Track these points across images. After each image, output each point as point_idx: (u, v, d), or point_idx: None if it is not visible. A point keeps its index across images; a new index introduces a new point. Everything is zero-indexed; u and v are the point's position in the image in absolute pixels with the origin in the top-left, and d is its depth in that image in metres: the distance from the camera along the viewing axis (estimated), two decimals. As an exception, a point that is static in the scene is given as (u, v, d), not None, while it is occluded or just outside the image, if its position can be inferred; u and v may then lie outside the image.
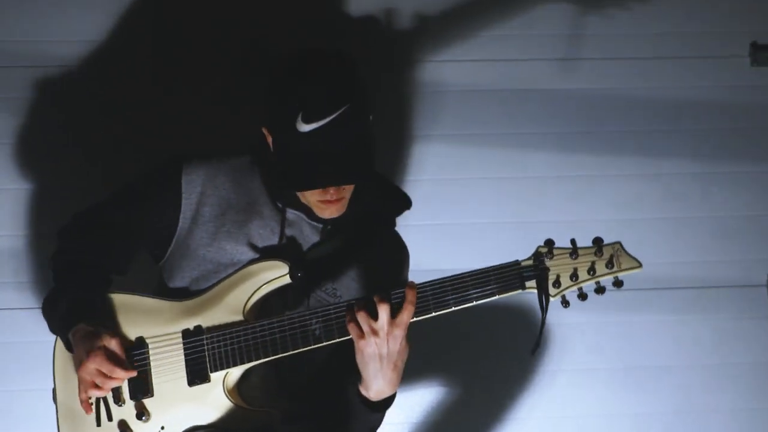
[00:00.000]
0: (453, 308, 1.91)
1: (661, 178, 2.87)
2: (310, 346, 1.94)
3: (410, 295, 1.87)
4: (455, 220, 2.82)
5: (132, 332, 2.02)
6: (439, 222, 2.80)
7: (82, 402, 1.97)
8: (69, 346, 2.01)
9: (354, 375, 1.93)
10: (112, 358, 1.90)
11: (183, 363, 1.98)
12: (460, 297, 1.90)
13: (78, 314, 1.98)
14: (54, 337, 2.07)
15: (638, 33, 2.85)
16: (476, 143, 2.81)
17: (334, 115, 1.85)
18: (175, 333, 2.00)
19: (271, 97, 1.92)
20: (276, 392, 2.04)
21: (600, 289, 1.92)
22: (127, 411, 1.99)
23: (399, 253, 2.18)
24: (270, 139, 1.97)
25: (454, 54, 2.80)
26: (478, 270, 1.91)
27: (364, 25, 2.77)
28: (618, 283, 1.91)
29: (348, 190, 1.98)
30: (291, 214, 2.04)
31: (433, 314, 1.91)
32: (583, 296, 1.92)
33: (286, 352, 1.95)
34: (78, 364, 1.93)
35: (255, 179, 2.07)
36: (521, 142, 2.83)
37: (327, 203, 1.97)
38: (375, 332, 1.85)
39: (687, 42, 2.86)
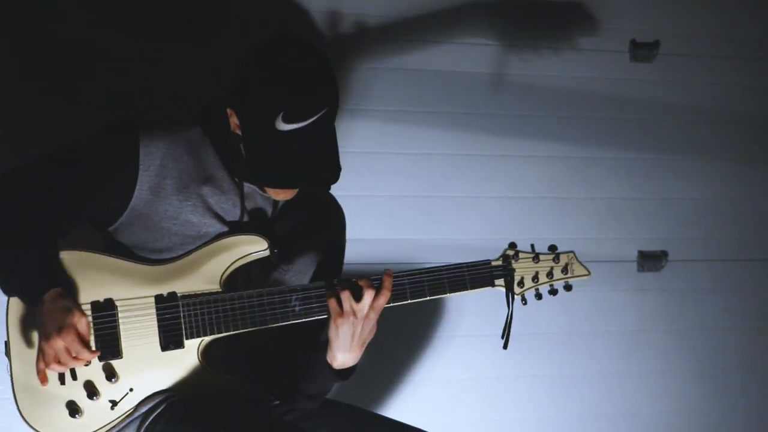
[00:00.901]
0: (428, 297, 2.05)
1: (549, 161, 3.10)
2: (289, 321, 2.00)
3: (387, 282, 1.98)
4: (373, 192, 2.93)
5: (97, 292, 1.96)
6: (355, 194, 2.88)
7: (39, 371, 1.88)
8: (32, 304, 1.92)
9: (320, 342, 2.02)
10: (81, 338, 1.85)
11: (156, 328, 1.97)
12: (435, 288, 2.05)
13: (45, 278, 1.90)
14: None
15: (541, 20, 3.04)
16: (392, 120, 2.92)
17: (314, 118, 1.87)
18: (148, 297, 1.97)
19: (249, 90, 1.90)
20: (236, 356, 2.07)
21: (553, 291, 2.16)
22: (92, 372, 1.95)
23: (340, 217, 2.23)
24: (236, 124, 1.96)
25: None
26: (452, 265, 2.07)
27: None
28: (568, 287, 2.17)
29: None
30: (247, 187, 2.05)
31: (409, 301, 2.05)
32: (539, 296, 2.16)
33: (265, 325, 1.99)
34: (43, 334, 1.85)
35: (209, 152, 2.05)
36: (427, 120, 2.97)
37: (286, 191, 2.02)
38: (354, 313, 1.94)
39: (576, 34, 3.08)
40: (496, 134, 3.02)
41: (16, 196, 1.97)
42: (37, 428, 1.96)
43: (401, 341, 2.99)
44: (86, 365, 1.91)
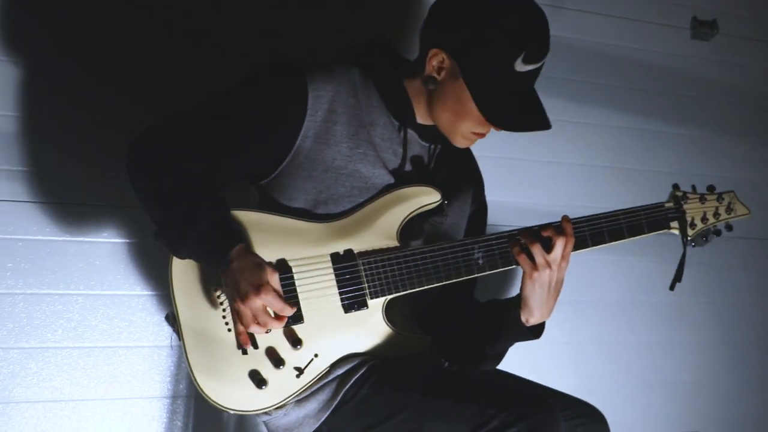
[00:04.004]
0: (608, 243, 1.99)
1: (607, 130, 3.11)
2: (474, 274, 1.91)
3: (568, 228, 1.90)
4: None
5: (269, 254, 1.82)
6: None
7: (239, 334, 1.76)
8: (216, 265, 1.77)
9: (505, 301, 1.96)
10: (279, 296, 1.73)
11: (335, 289, 1.86)
12: (614, 233, 1.98)
13: (229, 232, 1.77)
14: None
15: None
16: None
17: (544, 60, 1.85)
18: (323, 256, 1.85)
19: (484, 29, 1.81)
20: (413, 315, 1.98)
21: (717, 231, 2.12)
22: (274, 338, 1.82)
23: (476, 164, 2.19)
24: (441, 66, 1.86)
25: None
26: (628, 209, 2.01)
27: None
28: (730, 227, 2.12)
29: None
30: (408, 133, 1.97)
31: (590, 247, 1.98)
32: (715, 233, 2.12)
33: (450, 280, 1.90)
34: (237, 294, 1.72)
35: (372, 94, 1.94)
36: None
37: (478, 135, 1.93)
38: (548, 264, 1.87)
39: (637, 5, 3.12)
40: (568, 99, 3.00)
41: (177, 150, 1.81)
42: (225, 405, 1.81)
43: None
44: (267, 332, 1.78)
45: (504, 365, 2.99)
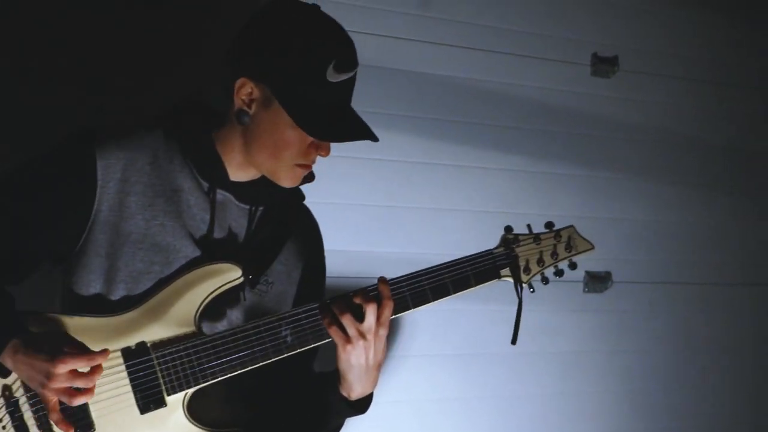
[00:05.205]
0: (432, 302, 1.82)
1: (502, 173, 2.96)
2: (282, 355, 1.74)
3: (385, 291, 1.75)
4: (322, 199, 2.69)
5: None
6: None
7: (58, 423, 1.61)
8: None
9: (327, 376, 1.80)
10: (81, 350, 1.58)
11: (129, 387, 1.68)
12: (437, 290, 1.82)
13: (9, 329, 1.62)
14: None
15: (497, 26, 2.90)
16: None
17: (356, 69, 1.73)
18: (113, 352, 1.67)
19: (285, 48, 1.69)
20: (228, 401, 1.80)
21: (559, 272, 1.93)
22: None
23: (316, 227, 2.02)
24: (250, 95, 1.72)
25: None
26: (453, 261, 1.84)
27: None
28: (573, 265, 1.95)
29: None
30: (219, 195, 1.80)
31: (412, 310, 1.81)
32: (545, 280, 1.94)
33: (255, 364, 1.73)
34: (34, 380, 1.57)
35: (175, 157, 1.78)
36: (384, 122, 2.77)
37: (304, 167, 1.77)
38: (362, 335, 1.71)
39: (538, 43, 2.98)
40: (453, 142, 2.85)
41: None
42: None
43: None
44: None
45: (392, 425, 2.87)
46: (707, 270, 3.35)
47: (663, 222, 3.24)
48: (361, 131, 1.73)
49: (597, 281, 3.12)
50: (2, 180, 1.73)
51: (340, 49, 1.70)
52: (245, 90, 1.72)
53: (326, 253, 2.02)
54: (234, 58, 1.74)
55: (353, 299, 1.73)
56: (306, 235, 1.96)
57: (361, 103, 2.61)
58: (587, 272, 3.10)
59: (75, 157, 1.72)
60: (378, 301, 1.73)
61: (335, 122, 1.71)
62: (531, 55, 2.96)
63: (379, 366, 1.76)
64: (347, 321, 1.71)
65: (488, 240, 2.90)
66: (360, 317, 1.72)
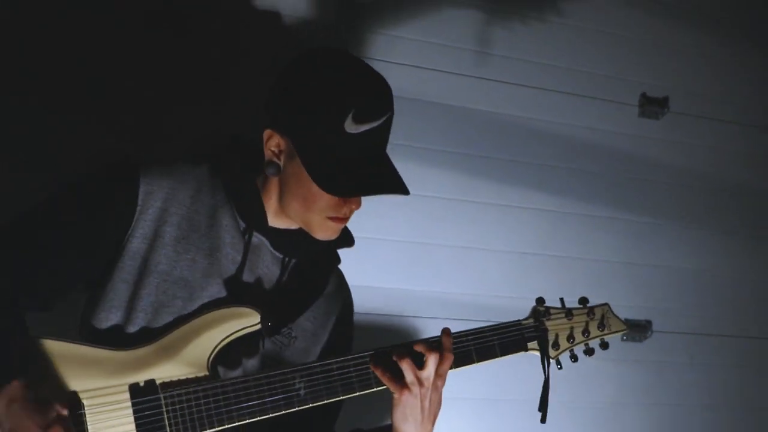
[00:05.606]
0: (454, 368, 1.77)
1: (545, 214, 2.85)
2: (293, 408, 1.69)
3: (447, 342, 1.74)
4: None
5: (58, 386, 1.59)
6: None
7: None
8: None
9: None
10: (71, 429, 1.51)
11: (133, 425, 1.61)
12: (461, 357, 1.79)
13: (8, 369, 1.54)
14: None
15: (543, 62, 2.82)
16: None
17: (384, 118, 1.64)
18: (121, 386, 1.61)
19: (304, 96, 1.65)
20: None
21: (589, 351, 1.90)
22: None
23: (348, 291, 1.96)
24: (278, 146, 1.68)
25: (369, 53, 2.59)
26: (479, 329, 1.82)
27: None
28: (604, 345, 1.92)
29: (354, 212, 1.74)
30: (255, 238, 1.75)
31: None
32: (574, 357, 1.90)
33: (265, 415, 1.67)
34: None
35: (218, 193, 1.75)
36: (420, 156, 2.67)
37: (337, 221, 1.71)
38: (421, 383, 1.67)
39: (584, 81, 2.88)
40: (492, 179, 2.75)
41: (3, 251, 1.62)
42: None
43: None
44: None
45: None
46: (749, 323, 3.22)
47: (705, 271, 3.11)
48: (388, 184, 1.66)
49: (637, 329, 3.00)
50: (42, 205, 1.68)
51: (362, 98, 1.63)
52: (273, 141, 1.68)
53: (356, 289, 1.97)
54: (265, 107, 1.71)
55: (414, 347, 1.72)
56: (338, 298, 1.91)
57: (400, 138, 2.59)
58: (627, 320, 2.97)
59: (119, 178, 1.70)
60: (440, 351, 1.70)
61: (359, 175, 1.64)
62: (578, 93, 2.87)
63: (434, 420, 1.71)
64: (407, 366, 1.68)
65: (523, 282, 2.82)
66: (420, 365, 1.69)
